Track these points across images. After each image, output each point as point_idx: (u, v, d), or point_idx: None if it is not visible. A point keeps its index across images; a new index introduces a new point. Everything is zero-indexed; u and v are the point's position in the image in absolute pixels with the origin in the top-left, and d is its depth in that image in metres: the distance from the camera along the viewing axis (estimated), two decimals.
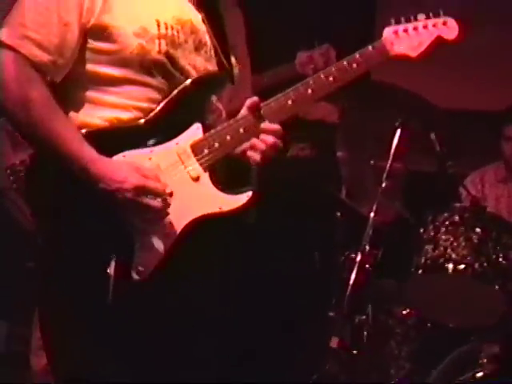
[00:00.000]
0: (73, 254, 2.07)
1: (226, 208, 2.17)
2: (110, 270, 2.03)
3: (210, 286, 2.25)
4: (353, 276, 3.44)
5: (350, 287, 3.44)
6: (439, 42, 2.35)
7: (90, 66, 2.13)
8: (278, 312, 3.88)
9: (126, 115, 2.13)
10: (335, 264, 3.72)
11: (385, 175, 3.61)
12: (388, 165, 3.61)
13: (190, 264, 2.15)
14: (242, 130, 2.20)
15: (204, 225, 2.15)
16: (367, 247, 3.50)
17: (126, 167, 2.07)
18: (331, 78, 2.27)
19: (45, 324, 2.20)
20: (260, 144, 2.21)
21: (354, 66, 2.28)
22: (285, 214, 4.14)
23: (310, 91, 2.25)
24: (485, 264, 3.36)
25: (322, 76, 2.27)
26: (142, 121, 2.14)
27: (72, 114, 2.13)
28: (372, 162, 3.90)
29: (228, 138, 2.19)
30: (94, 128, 2.11)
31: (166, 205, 2.09)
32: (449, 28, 2.38)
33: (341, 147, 4.14)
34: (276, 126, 2.22)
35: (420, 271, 3.43)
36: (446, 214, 3.51)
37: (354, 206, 4.02)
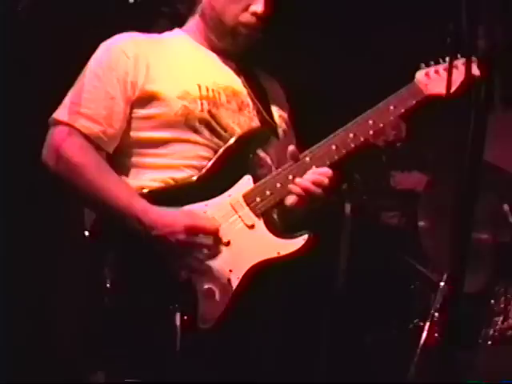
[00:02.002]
0: (139, 311, 2.14)
1: (283, 252, 2.23)
2: (177, 322, 2.10)
3: (274, 332, 2.31)
4: (421, 344, 3.46)
5: (417, 355, 3.45)
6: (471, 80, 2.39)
7: (138, 133, 2.28)
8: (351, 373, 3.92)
9: (179, 174, 2.25)
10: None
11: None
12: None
13: (254, 310, 2.22)
14: (290, 177, 2.28)
15: (264, 271, 2.22)
16: (436, 315, 3.51)
17: (176, 212, 2.17)
18: (370, 122, 2.35)
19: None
20: (305, 184, 2.27)
21: (391, 108, 2.37)
22: (366, 279, 4.20)
23: (351, 135, 2.33)
24: None
25: (361, 121, 2.36)
26: (195, 178, 2.25)
27: (127, 180, 2.26)
28: None
29: (278, 185, 2.27)
30: (151, 189, 2.23)
31: (218, 250, 2.18)
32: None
33: (422, 217, 4.17)
34: (323, 169, 2.29)
35: (489, 343, 3.40)
36: None
37: (431, 277, 4.04)
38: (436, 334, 3.49)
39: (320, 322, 4.37)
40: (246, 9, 2.34)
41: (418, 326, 3.53)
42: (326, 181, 2.27)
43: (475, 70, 1.77)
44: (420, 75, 2.45)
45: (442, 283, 3.54)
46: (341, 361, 4.03)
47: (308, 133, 2.58)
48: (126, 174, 2.28)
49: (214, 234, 2.18)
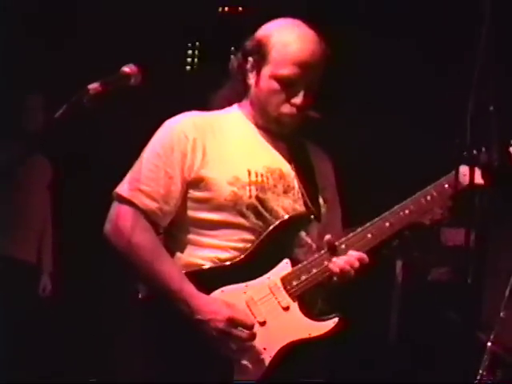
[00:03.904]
0: (179, 378, 2.34)
1: (314, 334, 2.40)
2: None
3: None
4: None
5: None
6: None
7: (191, 212, 2.46)
8: None
9: (224, 255, 2.43)
10: None
11: (503, 305, 3.69)
12: (507, 293, 3.71)
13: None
14: (326, 263, 2.44)
15: (295, 350, 2.39)
16: (484, 374, 3.57)
17: (220, 302, 2.36)
18: (407, 211, 2.48)
19: None
20: (341, 266, 2.41)
21: (428, 198, 2.49)
22: (417, 335, 4.29)
23: (387, 224, 2.47)
24: None
25: (398, 209, 2.48)
26: (238, 259, 2.42)
27: (178, 253, 2.46)
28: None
29: (314, 270, 2.43)
30: (197, 268, 2.42)
31: (253, 336, 2.35)
32: None
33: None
34: (360, 254, 2.42)
35: None
36: None
37: (480, 335, 4.07)
38: None
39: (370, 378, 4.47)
40: (287, 100, 2.46)
41: None
42: (357, 265, 2.41)
43: (479, 179, 1.89)
44: (462, 166, 2.47)
45: (489, 343, 3.61)
46: None
47: (356, 206, 2.71)
48: (181, 249, 2.47)
49: (250, 328, 2.35)
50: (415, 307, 4.52)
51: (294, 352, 2.39)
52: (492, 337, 3.62)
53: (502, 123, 1.90)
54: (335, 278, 2.44)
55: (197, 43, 5.49)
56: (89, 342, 5.02)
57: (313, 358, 2.46)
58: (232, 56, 2.60)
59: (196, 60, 5.51)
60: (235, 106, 2.60)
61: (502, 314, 3.66)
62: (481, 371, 3.57)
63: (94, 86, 2.28)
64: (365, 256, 2.44)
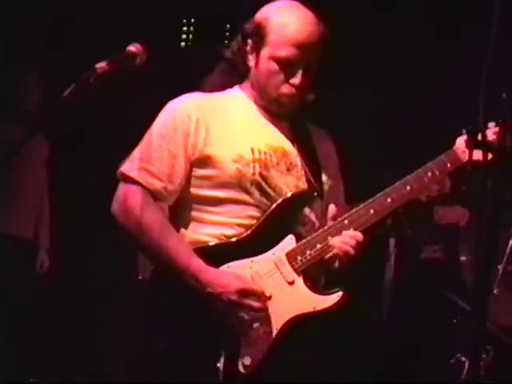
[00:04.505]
0: (187, 351, 2.40)
1: (319, 307, 2.46)
2: (220, 365, 2.36)
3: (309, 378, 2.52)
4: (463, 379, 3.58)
5: None
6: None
7: (195, 190, 2.51)
8: None
9: (229, 232, 2.48)
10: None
11: (496, 282, 3.76)
12: (500, 270, 3.77)
13: (290, 358, 2.45)
14: (330, 238, 2.49)
15: (300, 323, 2.45)
16: None
17: (229, 274, 2.42)
18: (408, 188, 2.53)
19: None
20: (340, 246, 2.48)
21: (429, 174, 2.54)
22: (410, 312, 4.34)
23: (389, 200, 2.52)
24: None
25: (400, 185, 2.53)
26: (243, 236, 2.47)
27: (182, 230, 2.51)
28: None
29: (318, 245, 2.49)
30: (204, 244, 2.47)
31: (265, 305, 2.41)
32: None
33: (464, 252, 4.27)
34: (355, 233, 2.49)
35: None
36: None
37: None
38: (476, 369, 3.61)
39: (362, 355, 4.53)
40: (285, 81, 2.50)
41: (460, 361, 3.67)
42: (354, 243, 2.47)
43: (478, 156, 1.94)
44: (460, 142, 2.56)
45: None
46: None
47: (357, 184, 2.76)
48: (185, 226, 2.51)
49: (262, 297, 2.41)
50: (408, 284, 4.57)
51: (299, 326, 2.45)
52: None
53: None
54: (337, 263, 2.50)
55: (192, 20, 5.49)
56: (86, 318, 5.06)
57: (317, 332, 2.52)
58: (231, 39, 2.64)
59: (191, 36, 5.51)
60: (236, 87, 2.64)
61: (495, 291, 3.73)
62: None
63: (101, 66, 2.29)
64: (359, 234, 2.49)
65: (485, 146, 1.96)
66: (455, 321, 4.03)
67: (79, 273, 5.10)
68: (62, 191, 5.14)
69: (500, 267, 3.76)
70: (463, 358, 3.63)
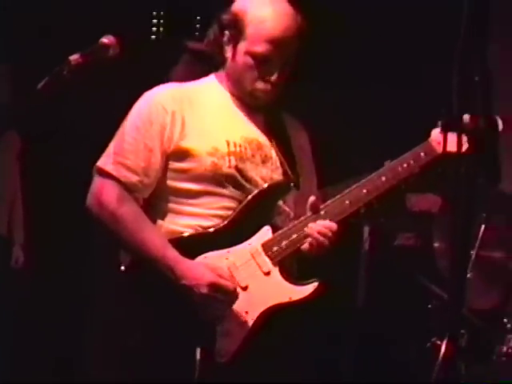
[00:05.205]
0: (164, 341, 2.42)
1: (294, 298, 2.48)
2: (197, 355, 2.39)
3: (284, 367, 2.54)
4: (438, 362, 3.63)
5: (435, 372, 3.62)
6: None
7: (171, 182, 2.52)
8: None
9: (206, 223, 2.50)
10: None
11: (470, 266, 3.81)
12: (473, 255, 3.83)
13: (266, 347, 2.47)
14: (306, 229, 2.51)
15: (276, 313, 2.47)
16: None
17: (204, 267, 2.43)
18: (383, 178, 2.55)
19: None
20: (315, 235, 2.50)
21: (405, 165, 2.56)
22: (384, 299, 4.39)
23: (364, 191, 2.54)
24: None
25: (375, 177, 2.56)
26: (219, 227, 2.49)
27: (159, 221, 2.52)
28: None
29: (294, 236, 2.51)
30: (179, 235, 2.48)
31: (236, 298, 2.43)
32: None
33: (438, 238, 4.31)
34: (329, 223, 2.51)
35: (503, 359, 3.58)
36: None
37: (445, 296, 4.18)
38: (452, 352, 3.67)
39: (340, 343, 4.57)
40: (261, 77, 2.50)
41: (436, 345, 3.71)
42: (330, 234, 2.49)
43: (453, 147, 1.98)
44: (435, 133, 2.59)
45: None
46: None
47: (329, 172, 2.78)
48: (162, 217, 2.52)
49: (232, 293, 2.43)
50: (382, 271, 4.61)
51: (275, 315, 2.47)
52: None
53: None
54: (312, 250, 2.51)
55: (161, 12, 5.48)
56: (63, 313, 5.05)
57: (293, 321, 2.54)
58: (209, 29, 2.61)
59: (161, 29, 5.50)
60: (212, 76, 2.63)
61: (468, 275, 3.79)
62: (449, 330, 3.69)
63: (74, 58, 2.31)
64: (334, 225, 2.51)
65: (459, 129, 1.98)
66: (430, 306, 4.09)
67: (55, 268, 5.08)
68: (35, 185, 5.11)
69: (473, 252, 3.82)
70: (439, 342, 3.68)
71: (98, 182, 2.50)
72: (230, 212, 2.50)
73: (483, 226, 3.83)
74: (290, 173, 2.59)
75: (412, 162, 2.57)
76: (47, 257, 5.09)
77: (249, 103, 2.58)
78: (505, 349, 3.58)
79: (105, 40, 2.40)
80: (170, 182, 2.52)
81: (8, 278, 4.89)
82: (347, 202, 2.54)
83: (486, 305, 4.01)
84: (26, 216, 5.06)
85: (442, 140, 2.17)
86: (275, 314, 2.47)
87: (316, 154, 2.73)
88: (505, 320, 3.67)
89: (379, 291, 4.53)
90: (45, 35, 4.95)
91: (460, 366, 3.69)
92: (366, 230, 4.93)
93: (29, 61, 4.72)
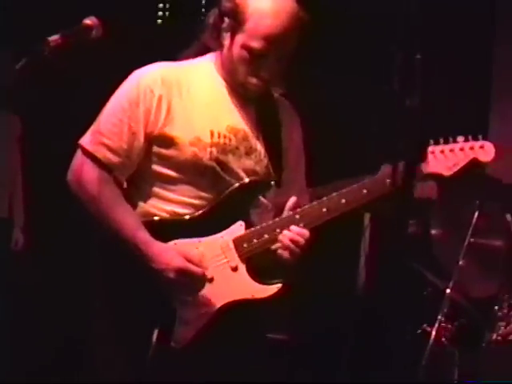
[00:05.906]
0: (124, 320, 2.46)
1: (257, 296, 2.49)
2: (153, 337, 2.42)
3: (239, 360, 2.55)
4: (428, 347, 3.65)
5: (424, 359, 3.64)
6: (475, 164, 2.47)
7: (155, 166, 2.52)
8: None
9: (181, 210, 2.50)
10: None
11: (462, 253, 3.81)
12: (465, 243, 3.83)
13: (222, 339, 2.48)
14: (278, 230, 2.50)
15: (237, 308, 2.49)
16: (443, 320, 3.70)
17: (172, 252, 2.45)
18: (365, 191, 2.48)
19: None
20: (286, 242, 2.48)
21: (388, 181, 2.45)
22: (383, 286, 4.39)
23: (343, 201, 2.49)
24: None
25: (356, 188, 2.50)
26: (194, 215, 2.50)
27: (141, 203, 2.53)
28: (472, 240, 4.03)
29: (266, 236, 2.50)
30: (154, 218, 2.50)
31: (202, 287, 2.45)
32: (485, 151, 2.49)
33: (435, 226, 4.31)
34: (302, 230, 2.48)
35: (491, 346, 3.58)
36: None
37: (439, 284, 4.18)
38: (443, 339, 3.69)
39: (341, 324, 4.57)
40: (254, 72, 2.49)
41: (426, 331, 3.73)
42: (302, 241, 2.48)
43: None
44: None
45: (448, 290, 3.73)
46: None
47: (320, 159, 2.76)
48: (144, 200, 2.53)
49: (199, 280, 2.45)
50: (382, 258, 4.61)
51: (237, 310, 2.48)
52: (451, 284, 3.75)
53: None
54: (282, 255, 2.49)
55: None
56: (61, 295, 5.08)
57: (252, 318, 2.54)
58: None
59: (167, 14, 5.51)
60: (208, 56, 2.60)
61: (460, 262, 3.79)
62: (439, 317, 3.71)
63: (54, 38, 2.29)
64: (306, 232, 2.49)
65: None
66: (425, 293, 4.09)
67: (54, 250, 5.12)
68: (35, 168, 5.14)
69: (466, 239, 3.82)
70: (429, 329, 3.69)
71: (79, 159, 2.50)
72: (205, 202, 2.50)
73: (477, 213, 3.83)
74: (271, 169, 2.58)
75: (396, 179, 2.39)
76: (47, 239, 5.12)
77: (240, 92, 2.56)
78: (495, 336, 3.58)
79: (87, 21, 2.37)
80: (153, 166, 2.52)
81: (8, 259, 4.93)
82: (324, 209, 2.50)
83: (483, 293, 4.02)
84: (26, 199, 5.09)
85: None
86: (236, 309, 2.48)
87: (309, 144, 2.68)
88: (495, 307, 3.68)
89: (381, 277, 4.52)
90: (45, 20, 4.96)
91: (454, 353, 3.73)
92: (367, 216, 4.93)
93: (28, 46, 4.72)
